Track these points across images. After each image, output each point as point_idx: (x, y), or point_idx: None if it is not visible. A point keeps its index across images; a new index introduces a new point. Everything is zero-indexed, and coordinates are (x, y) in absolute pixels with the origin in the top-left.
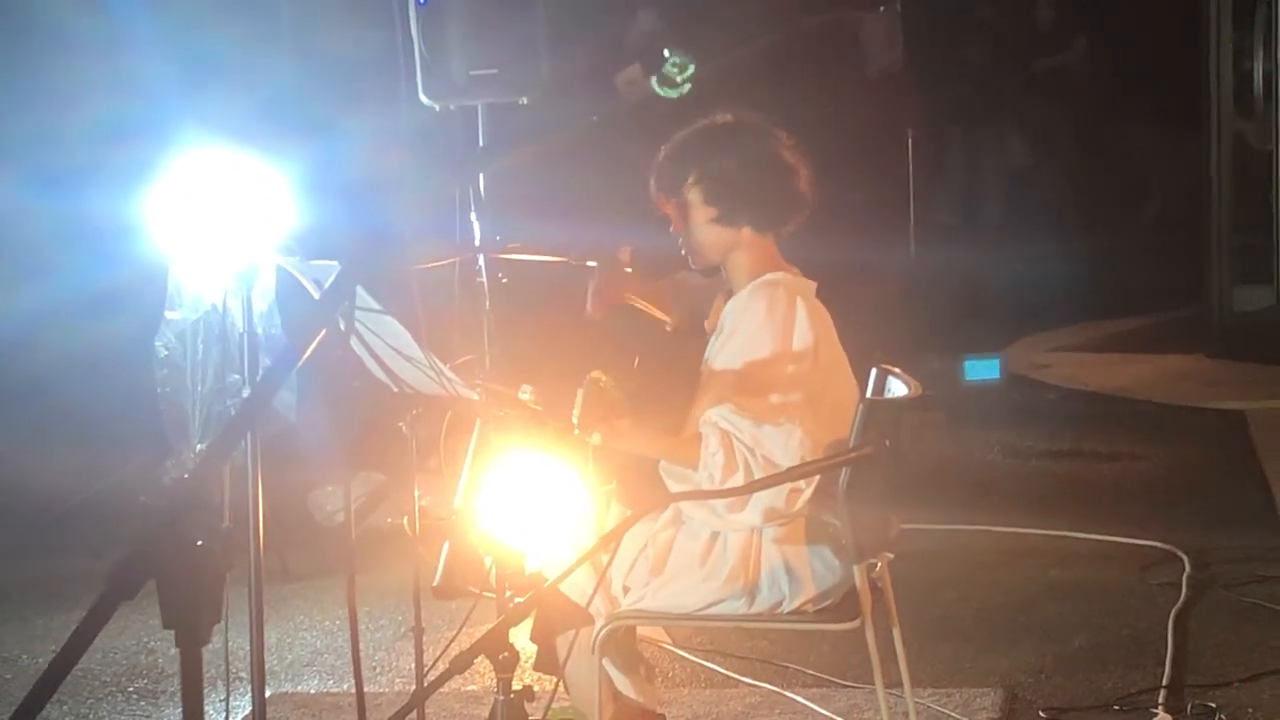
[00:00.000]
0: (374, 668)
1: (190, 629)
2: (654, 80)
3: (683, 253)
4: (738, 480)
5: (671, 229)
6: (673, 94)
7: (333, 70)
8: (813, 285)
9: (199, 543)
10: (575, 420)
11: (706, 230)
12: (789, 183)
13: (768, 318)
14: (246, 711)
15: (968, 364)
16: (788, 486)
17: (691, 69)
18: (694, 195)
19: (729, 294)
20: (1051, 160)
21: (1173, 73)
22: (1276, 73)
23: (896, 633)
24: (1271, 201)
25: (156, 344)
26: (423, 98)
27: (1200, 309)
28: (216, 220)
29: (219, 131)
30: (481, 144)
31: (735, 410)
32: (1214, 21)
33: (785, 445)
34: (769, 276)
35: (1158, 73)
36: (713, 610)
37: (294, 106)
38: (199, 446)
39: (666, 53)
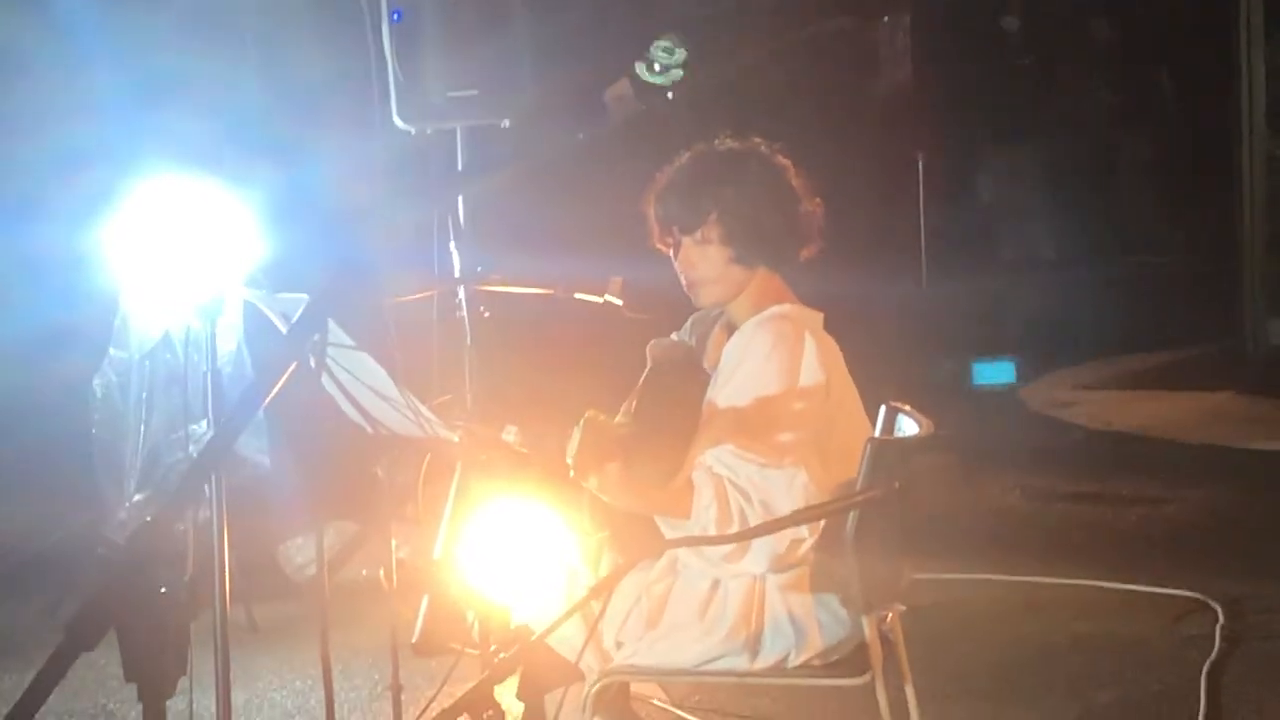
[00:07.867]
0: None
1: (154, 681)
2: (641, 66)
3: (688, 290)
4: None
5: (678, 266)
6: (661, 80)
7: (301, 91)
8: (820, 316)
9: (162, 590)
10: (570, 462)
11: (726, 270)
12: (799, 215)
13: (773, 353)
14: None
15: (976, 367)
16: (789, 534)
17: (680, 53)
18: (714, 234)
19: (730, 327)
20: (1072, 184)
21: (1204, 92)
22: None
23: (909, 689)
24: None
25: (95, 383)
26: (397, 121)
27: (1232, 342)
28: (178, 252)
29: (181, 157)
30: (460, 168)
31: (735, 452)
32: (1245, 38)
33: (789, 489)
34: (775, 309)
35: (1188, 91)
36: (713, 666)
37: (260, 130)
38: (136, 497)
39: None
